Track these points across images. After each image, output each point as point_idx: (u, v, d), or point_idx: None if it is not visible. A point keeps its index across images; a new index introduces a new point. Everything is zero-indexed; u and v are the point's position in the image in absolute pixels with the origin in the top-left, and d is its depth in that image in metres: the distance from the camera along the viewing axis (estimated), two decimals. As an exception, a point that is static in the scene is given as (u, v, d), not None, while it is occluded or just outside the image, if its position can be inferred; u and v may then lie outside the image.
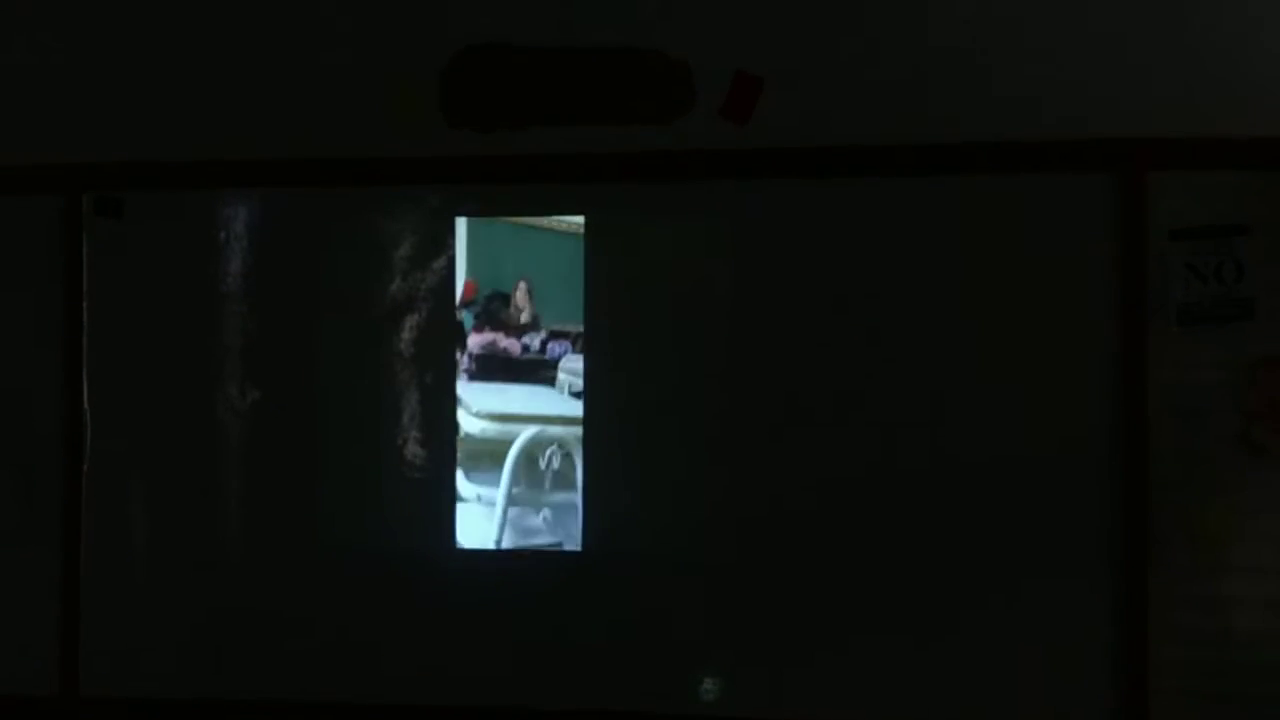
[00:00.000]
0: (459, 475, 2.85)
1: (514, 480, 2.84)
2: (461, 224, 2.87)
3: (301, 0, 2.90)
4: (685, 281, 2.80)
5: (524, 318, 2.84)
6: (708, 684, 2.78)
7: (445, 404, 2.85)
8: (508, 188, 2.85)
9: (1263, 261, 2.65)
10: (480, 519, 2.86)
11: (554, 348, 2.82)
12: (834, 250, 2.76)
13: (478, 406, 2.85)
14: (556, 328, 2.83)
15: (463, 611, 2.83)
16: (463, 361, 2.84)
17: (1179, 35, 2.69)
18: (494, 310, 2.84)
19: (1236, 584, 2.65)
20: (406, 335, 2.87)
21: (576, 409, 2.81)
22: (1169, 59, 2.69)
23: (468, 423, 2.85)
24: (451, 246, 2.86)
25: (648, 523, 2.79)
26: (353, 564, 2.86)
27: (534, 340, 2.83)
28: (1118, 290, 2.68)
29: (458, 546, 2.84)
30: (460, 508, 2.85)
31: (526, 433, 2.84)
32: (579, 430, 2.81)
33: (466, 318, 2.84)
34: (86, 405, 2.92)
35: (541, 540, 2.84)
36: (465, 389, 2.85)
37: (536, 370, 2.83)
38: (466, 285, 2.85)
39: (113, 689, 2.91)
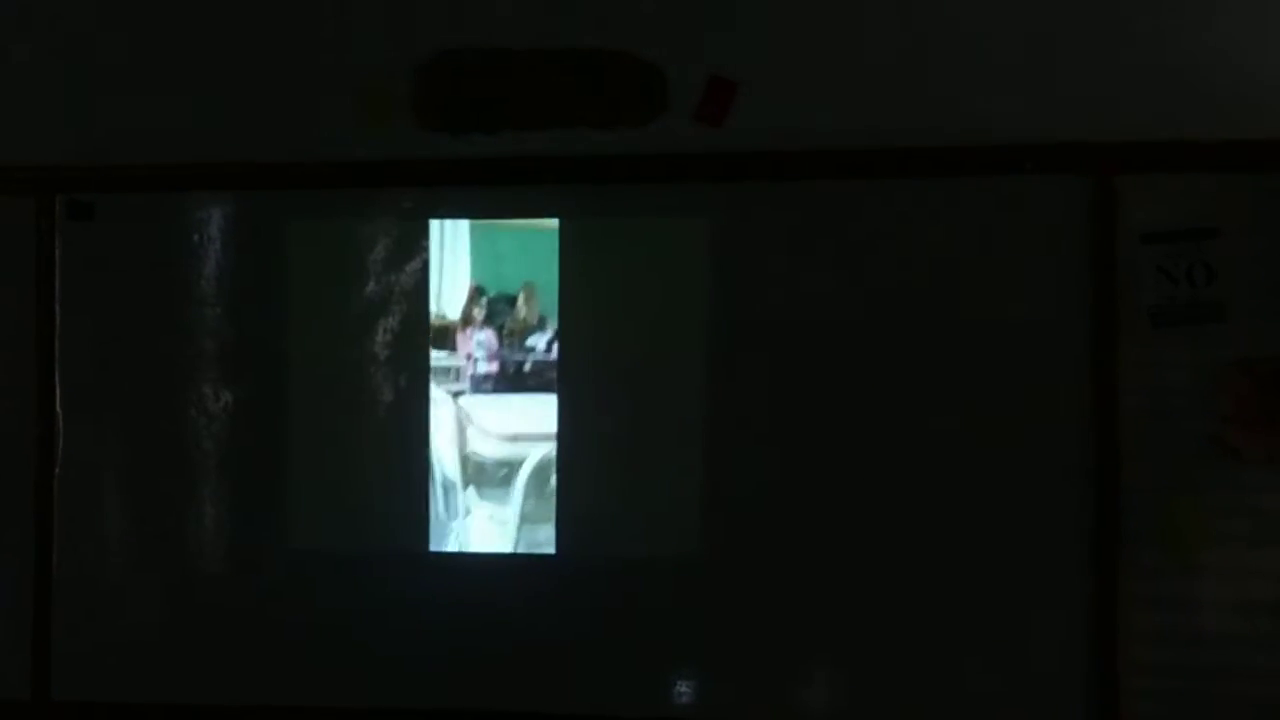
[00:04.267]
0: (471, 491, 2.84)
1: (526, 498, 2.83)
2: (464, 229, 2.85)
3: (274, 3, 2.89)
4: (660, 283, 2.80)
5: (531, 320, 2.83)
6: (682, 685, 2.78)
7: (419, 405, 2.84)
8: (481, 190, 2.85)
9: (1233, 264, 2.66)
10: (493, 536, 2.86)
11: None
12: (808, 252, 2.77)
13: (488, 426, 2.83)
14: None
15: (436, 614, 2.82)
16: (467, 369, 2.83)
17: (1147, 40, 2.70)
18: (499, 313, 2.83)
19: (1208, 585, 2.66)
20: (381, 337, 2.86)
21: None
22: (1138, 63, 2.70)
23: (481, 444, 2.84)
24: (425, 249, 2.86)
25: (622, 524, 2.80)
26: (326, 567, 2.86)
27: (540, 341, 2.83)
28: (1089, 293, 2.69)
29: (430, 550, 2.84)
30: (469, 522, 2.86)
31: (537, 452, 2.83)
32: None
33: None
34: (58, 408, 2.91)
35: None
36: (473, 404, 2.84)
37: (542, 375, 2.82)
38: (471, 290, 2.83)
39: (85, 693, 2.90)
